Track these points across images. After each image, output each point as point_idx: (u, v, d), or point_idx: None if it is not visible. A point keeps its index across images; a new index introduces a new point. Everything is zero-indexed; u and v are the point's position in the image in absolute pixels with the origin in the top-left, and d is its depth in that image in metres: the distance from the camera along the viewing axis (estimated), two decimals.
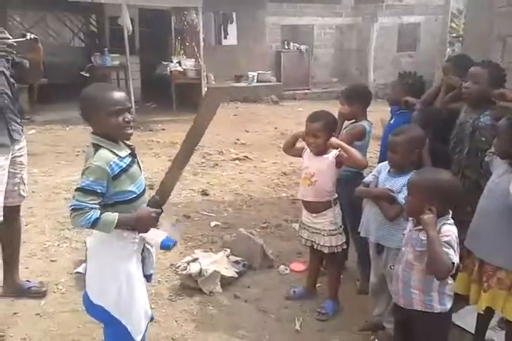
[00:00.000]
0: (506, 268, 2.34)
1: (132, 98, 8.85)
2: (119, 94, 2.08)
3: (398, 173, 2.58)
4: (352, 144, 3.00)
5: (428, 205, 2.04)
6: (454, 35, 12.69)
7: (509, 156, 2.35)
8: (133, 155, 2.15)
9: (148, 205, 2.12)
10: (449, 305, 2.19)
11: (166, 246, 2.21)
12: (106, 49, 9.69)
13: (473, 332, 2.82)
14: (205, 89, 9.50)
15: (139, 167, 2.19)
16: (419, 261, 2.11)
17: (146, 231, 2.11)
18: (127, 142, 2.18)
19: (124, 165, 2.06)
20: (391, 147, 2.60)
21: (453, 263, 1.98)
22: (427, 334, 2.22)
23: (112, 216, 1.98)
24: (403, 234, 2.28)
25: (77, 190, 2.00)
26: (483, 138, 2.79)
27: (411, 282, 2.16)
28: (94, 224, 1.96)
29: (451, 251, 1.98)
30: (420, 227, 2.09)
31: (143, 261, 2.24)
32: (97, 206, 1.98)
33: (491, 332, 2.74)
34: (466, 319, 2.85)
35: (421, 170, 2.31)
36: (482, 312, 2.47)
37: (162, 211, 2.15)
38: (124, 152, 2.10)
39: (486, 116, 2.84)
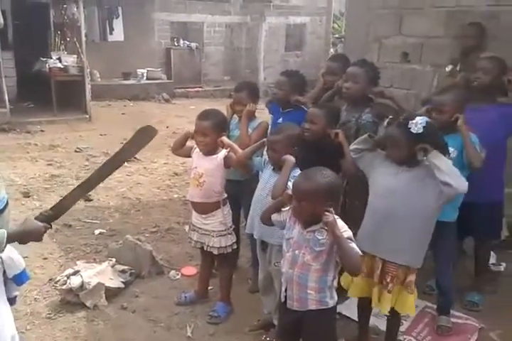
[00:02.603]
0: (409, 266, 2.43)
1: (6, 97, 8.11)
2: None
3: (280, 171, 2.56)
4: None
5: (324, 207, 2.05)
6: (337, 36, 13.38)
7: (408, 159, 2.40)
8: None
9: (37, 218, 2.01)
10: (336, 297, 2.24)
11: (19, 280, 2.09)
12: None
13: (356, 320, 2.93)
14: (89, 86, 8.98)
15: None
16: (318, 260, 2.12)
17: (26, 243, 1.97)
18: None
19: None
20: (270, 146, 2.60)
21: (360, 255, 2.05)
22: (319, 330, 2.23)
23: (2, 233, 1.81)
24: (290, 238, 2.23)
25: None
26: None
27: (308, 283, 2.15)
28: None
29: (354, 245, 2.05)
30: (314, 228, 2.11)
31: (5, 283, 2.02)
32: None
33: (374, 319, 2.85)
34: (352, 308, 2.94)
35: (303, 173, 2.26)
36: (388, 314, 2.52)
37: (51, 226, 2.08)
38: None
39: (367, 114, 2.95)
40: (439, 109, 2.75)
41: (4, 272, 2.02)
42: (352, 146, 2.58)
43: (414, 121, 2.28)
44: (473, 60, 3.43)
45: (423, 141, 2.29)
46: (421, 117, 2.32)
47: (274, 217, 2.33)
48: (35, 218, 2.01)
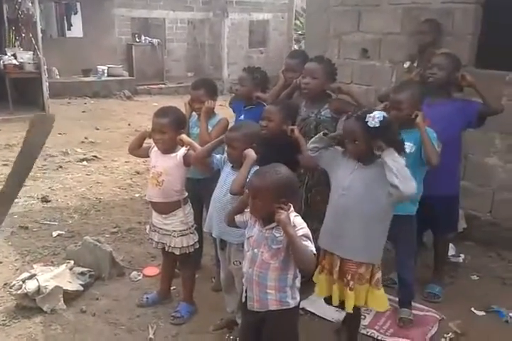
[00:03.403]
0: (368, 263, 2.41)
1: None
2: None
3: (239, 168, 2.54)
4: None
5: (277, 204, 2.03)
6: (300, 32, 13.43)
7: (365, 155, 2.36)
8: None
9: None
10: (298, 298, 2.22)
11: None
12: None
13: (323, 316, 2.96)
14: (47, 83, 8.71)
15: None
16: (276, 258, 2.10)
17: None
18: None
19: None
20: (229, 143, 2.57)
21: (314, 254, 2.02)
22: (279, 331, 2.22)
23: None
24: (249, 237, 2.21)
25: None
26: (327, 131, 2.88)
27: (267, 282, 2.13)
28: None
29: (309, 243, 2.02)
30: (272, 226, 2.09)
31: None
32: None
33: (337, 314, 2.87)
34: (316, 304, 2.95)
35: (257, 171, 2.25)
36: (351, 312, 2.49)
37: None
38: None
39: (325, 110, 2.97)
40: (396, 107, 2.78)
41: None
42: (309, 145, 2.55)
43: (371, 115, 2.26)
44: (429, 56, 3.49)
45: (379, 136, 2.27)
46: (379, 111, 2.32)
47: (237, 218, 2.31)
48: None
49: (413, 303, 3.07)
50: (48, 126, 2.22)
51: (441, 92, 3.10)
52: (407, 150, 2.76)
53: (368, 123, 2.26)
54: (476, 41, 3.96)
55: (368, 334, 2.89)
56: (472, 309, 3.14)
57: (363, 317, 2.99)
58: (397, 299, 3.09)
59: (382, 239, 2.47)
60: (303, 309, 2.89)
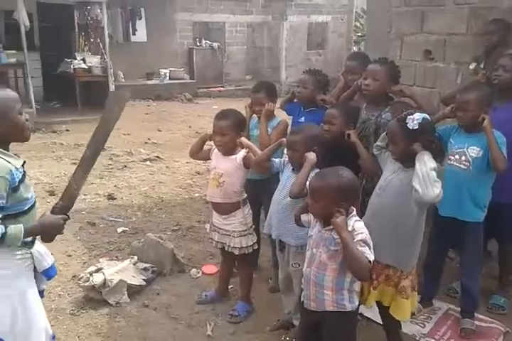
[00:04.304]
0: (393, 266, 2.40)
1: (32, 97, 8.30)
2: (12, 92, 1.99)
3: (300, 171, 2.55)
4: None
5: (336, 208, 2.04)
6: (359, 34, 13.25)
7: (405, 158, 2.36)
8: (23, 165, 2.03)
9: (52, 212, 2.04)
10: (357, 302, 2.21)
11: (48, 274, 2.16)
12: (1, 45, 8.97)
13: (379, 322, 2.89)
14: (113, 86, 9.11)
15: (27, 177, 2.07)
16: (334, 260, 2.10)
17: (52, 239, 2.04)
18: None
19: (21, 175, 1.95)
20: (290, 146, 2.59)
21: (369, 261, 1.99)
22: (337, 334, 2.21)
23: (18, 228, 1.88)
24: (310, 236, 2.24)
25: None
26: None
27: (324, 283, 2.14)
28: (1, 241, 1.84)
29: (366, 249, 2.00)
30: (331, 227, 2.08)
31: (35, 277, 2.09)
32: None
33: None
34: (374, 310, 2.90)
35: (318, 172, 2.27)
36: (370, 308, 2.50)
37: (69, 217, 2.09)
38: (18, 161, 1.98)
39: (386, 113, 2.90)
40: (463, 108, 2.71)
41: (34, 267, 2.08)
42: (376, 143, 2.58)
43: (412, 117, 2.25)
44: (497, 57, 3.36)
45: (417, 138, 2.25)
46: (420, 113, 2.29)
47: (303, 217, 2.34)
48: (51, 212, 2.05)
49: (476, 314, 2.97)
50: (122, 102, 2.30)
51: (507, 95, 2.99)
52: (474, 155, 2.71)
53: (408, 125, 2.25)
54: None
55: None
56: None
57: (422, 325, 2.93)
58: (459, 309, 3.01)
59: (412, 246, 2.41)
60: (361, 314, 2.84)
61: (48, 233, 2.02)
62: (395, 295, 2.42)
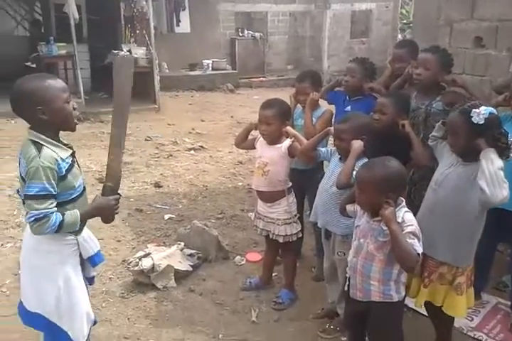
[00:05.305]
0: (449, 263, 2.33)
1: (81, 88, 8.55)
2: (60, 81, 2.01)
3: None
4: None
5: (384, 199, 2.02)
6: (405, 21, 12.92)
7: (465, 151, 2.25)
8: (73, 155, 2.08)
9: (103, 194, 2.09)
10: (403, 292, 2.20)
11: (92, 261, 2.19)
12: (52, 38, 9.27)
13: (425, 314, 2.87)
14: (158, 78, 9.26)
15: (78, 166, 2.13)
16: (381, 250, 2.09)
17: (112, 220, 2.11)
18: (64, 142, 2.08)
19: (68, 165, 1.99)
20: (337, 135, 2.58)
21: (418, 253, 1.97)
22: (383, 324, 2.22)
23: (74, 214, 1.95)
24: (357, 226, 2.24)
25: (31, 197, 1.89)
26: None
27: (371, 274, 2.13)
28: (59, 228, 1.91)
29: (415, 242, 1.98)
30: (380, 218, 2.06)
31: (82, 264, 2.16)
32: (56, 208, 1.92)
33: None
34: None
35: (365, 163, 2.25)
36: (420, 307, 2.45)
37: (120, 195, 2.14)
38: (66, 152, 2.02)
39: (437, 102, 2.85)
40: None
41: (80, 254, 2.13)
42: (432, 134, 2.50)
43: (477, 110, 2.12)
44: None
45: (481, 133, 2.14)
46: (486, 107, 2.16)
47: (348, 207, 2.33)
48: (101, 194, 2.10)
49: None
50: (128, 67, 2.24)
51: None
52: None
53: (472, 119, 2.13)
54: None
55: (476, 337, 2.79)
56: None
57: (469, 318, 2.89)
58: (509, 303, 2.95)
59: (470, 243, 2.33)
60: (406, 306, 2.82)
61: (104, 214, 2.08)
62: (449, 293, 2.35)
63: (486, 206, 2.21)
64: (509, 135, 2.37)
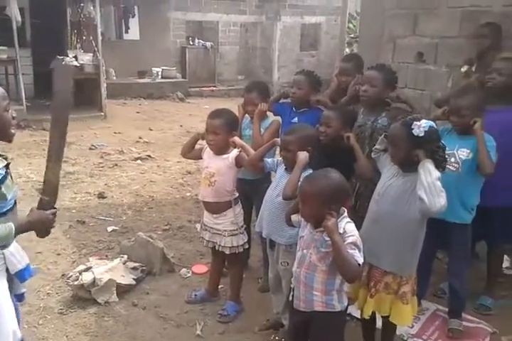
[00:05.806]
0: (394, 273, 2.38)
1: (23, 94, 8.23)
2: (0, 88, 1.92)
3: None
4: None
5: (327, 210, 2.03)
6: (352, 35, 13.29)
7: (405, 162, 2.33)
8: (7, 165, 1.97)
9: (39, 208, 2.01)
10: (346, 302, 2.22)
11: (21, 276, 2.05)
12: None
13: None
14: (105, 85, 9.06)
15: (11, 178, 2.02)
16: (324, 261, 2.10)
17: (47, 234, 2.04)
18: None
19: (1, 177, 1.89)
20: (283, 146, 2.59)
21: (359, 264, 1.99)
22: (325, 333, 2.22)
23: (9, 227, 1.85)
24: (301, 237, 2.24)
25: None
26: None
27: (313, 284, 2.14)
28: None
29: (356, 252, 2.00)
30: (322, 229, 2.08)
31: (11, 280, 2.03)
32: None
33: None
34: None
35: (307, 176, 2.28)
36: (368, 318, 2.48)
37: (56, 209, 2.07)
38: (0, 162, 1.91)
39: (383, 118, 2.92)
40: (457, 113, 2.72)
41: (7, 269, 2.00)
42: (374, 147, 2.57)
43: (418, 123, 2.21)
44: (489, 60, 3.39)
45: (421, 145, 2.23)
46: (427, 121, 2.26)
47: (293, 217, 2.34)
48: (37, 208, 2.02)
49: (464, 315, 2.99)
50: (68, 74, 2.22)
51: (501, 99, 3.00)
52: (463, 157, 2.73)
53: (413, 131, 2.22)
54: None
55: None
56: None
57: (410, 325, 2.94)
58: (447, 309, 3.03)
59: (413, 252, 2.40)
60: (349, 315, 2.85)
61: (39, 228, 1.99)
62: (395, 302, 2.39)
63: (425, 215, 2.28)
64: (446, 148, 2.46)
